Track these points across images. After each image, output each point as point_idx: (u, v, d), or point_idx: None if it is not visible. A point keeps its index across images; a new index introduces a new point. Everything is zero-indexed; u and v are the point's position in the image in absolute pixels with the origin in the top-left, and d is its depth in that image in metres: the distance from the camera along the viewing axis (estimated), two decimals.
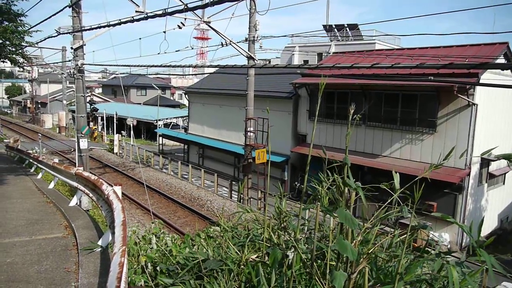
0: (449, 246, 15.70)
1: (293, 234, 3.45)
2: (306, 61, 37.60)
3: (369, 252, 2.90)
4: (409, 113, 17.58)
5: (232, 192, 21.40)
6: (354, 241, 2.90)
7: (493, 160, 17.30)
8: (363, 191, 2.85)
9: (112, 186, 7.80)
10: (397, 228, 3.64)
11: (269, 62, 43.18)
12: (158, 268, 5.01)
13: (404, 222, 9.20)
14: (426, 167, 3.00)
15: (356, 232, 2.98)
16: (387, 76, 15.02)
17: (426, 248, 3.13)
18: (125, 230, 5.30)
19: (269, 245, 3.69)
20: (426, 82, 14.87)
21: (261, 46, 17.81)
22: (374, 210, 3.21)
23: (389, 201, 2.97)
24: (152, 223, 7.19)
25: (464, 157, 15.83)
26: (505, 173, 19.11)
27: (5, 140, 34.96)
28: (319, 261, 3.40)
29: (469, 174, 16.15)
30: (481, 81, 15.19)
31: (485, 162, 17.31)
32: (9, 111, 76.18)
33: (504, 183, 19.65)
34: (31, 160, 18.53)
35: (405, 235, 2.85)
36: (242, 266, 3.66)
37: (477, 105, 15.68)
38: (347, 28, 37.20)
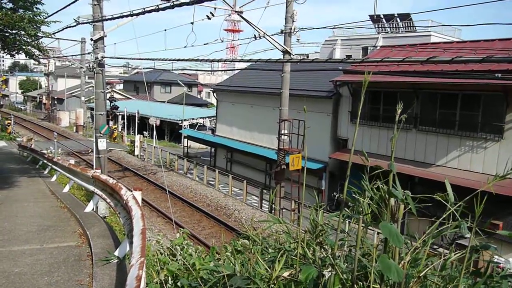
0: None
1: (330, 251, 3.39)
2: (349, 56, 37.25)
3: (420, 275, 2.80)
4: (470, 116, 17.05)
5: (263, 201, 21.41)
6: (402, 262, 2.82)
7: None
8: (413, 203, 2.76)
9: (131, 191, 7.92)
10: (454, 249, 3.50)
11: (307, 57, 43.06)
12: (179, 284, 5.03)
13: (462, 243, 8.89)
14: (490, 179, 2.87)
15: (405, 251, 2.89)
16: (444, 73, 14.65)
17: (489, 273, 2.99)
18: (144, 239, 5.35)
19: (303, 262, 3.64)
20: (492, 80, 14.36)
21: (298, 39, 17.69)
22: (425, 227, 3.11)
23: (444, 216, 2.87)
24: (179, 233, 7.24)
25: None
26: None
27: (17, 139, 36.35)
28: (361, 282, 3.32)
29: None
30: None
31: None
32: (23, 107, 78.78)
33: None
34: (45, 161, 19.13)
35: (464, 257, 2.74)
36: (272, 285, 3.62)
37: None
38: (398, 19, 36.66)
